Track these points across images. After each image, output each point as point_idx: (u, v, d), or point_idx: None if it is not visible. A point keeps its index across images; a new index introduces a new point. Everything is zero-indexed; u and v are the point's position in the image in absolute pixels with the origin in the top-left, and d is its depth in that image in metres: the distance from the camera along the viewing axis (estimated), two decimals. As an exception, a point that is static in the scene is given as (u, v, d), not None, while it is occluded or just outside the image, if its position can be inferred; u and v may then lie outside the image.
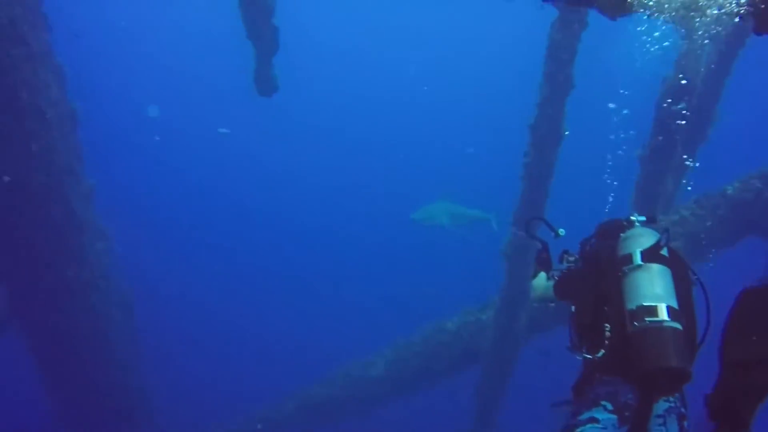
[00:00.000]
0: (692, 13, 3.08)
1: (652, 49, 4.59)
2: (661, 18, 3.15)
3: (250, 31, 5.37)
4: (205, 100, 22.16)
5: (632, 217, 2.92)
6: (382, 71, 24.30)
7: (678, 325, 2.43)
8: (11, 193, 6.63)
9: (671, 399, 2.51)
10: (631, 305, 2.53)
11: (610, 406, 2.51)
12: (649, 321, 2.43)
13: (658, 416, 2.46)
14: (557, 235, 3.66)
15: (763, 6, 2.93)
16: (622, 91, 5.09)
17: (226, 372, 13.70)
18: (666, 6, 3.07)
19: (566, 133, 5.61)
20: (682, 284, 2.65)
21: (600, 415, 2.51)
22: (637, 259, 2.61)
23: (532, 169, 5.89)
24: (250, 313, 16.19)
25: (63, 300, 7.46)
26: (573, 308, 3.20)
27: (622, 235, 2.81)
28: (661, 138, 5.73)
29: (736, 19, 3.04)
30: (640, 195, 6.39)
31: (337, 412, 8.90)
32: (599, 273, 2.85)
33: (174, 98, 21.54)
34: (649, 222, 2.93)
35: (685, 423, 2.50)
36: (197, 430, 10.12)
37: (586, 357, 2.72)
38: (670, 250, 2.74)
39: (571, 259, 3.57)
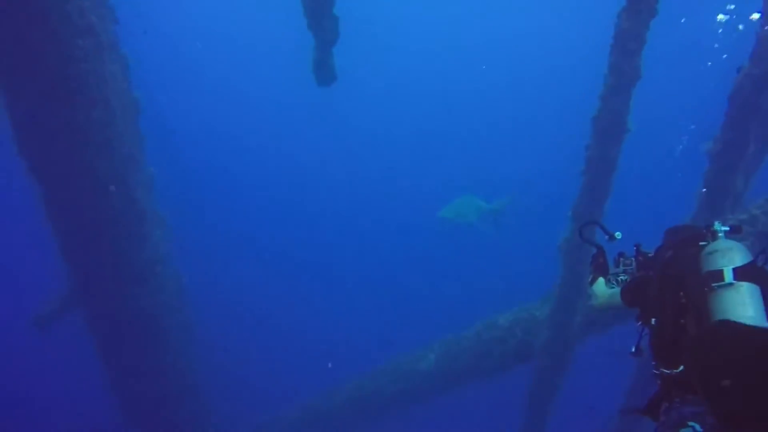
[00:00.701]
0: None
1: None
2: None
3: (311, 20, 5.39)
4: (261, 94, 22.35)
5: (715, 227, 2.73)
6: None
7: None
8: (77, 180, 6.86)
9: None
10: None
11: (699, 428, 2.41)
12: None
13: None
14: (612, 238, 3.57)
15: None
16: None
17: (276, 363, 13.86)
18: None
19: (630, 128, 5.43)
20: None
21: None
22: (729, 277, 2.45)
23: (593, 164, 5.72)
24: (302, 306, 16.31)
25: (122, 285, 7.67)
26: (639, 316, 3.12)
27: (707, 247, 2.63)
28: (734, 132, 5.47)
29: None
30: (708, 192, 6.14)
31: (385, 405, 8.90)
32: (679, 285, 2.70)
33: (229, 93, 21.85)
34: (734, 232, 2.74)
35: None
36: (246, 417, 10.29)
37: (664, 372, 2.62)
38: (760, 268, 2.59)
39: (628, 262, 3.51)
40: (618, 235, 3.65)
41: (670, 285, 2.76)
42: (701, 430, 2.39)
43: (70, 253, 7.37)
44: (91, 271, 7.52)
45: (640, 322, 3.11)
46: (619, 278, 3.56)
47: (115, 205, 7.18)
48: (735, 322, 2.32)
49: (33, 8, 5.80)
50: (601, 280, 3.58)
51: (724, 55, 9.74)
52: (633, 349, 3.21)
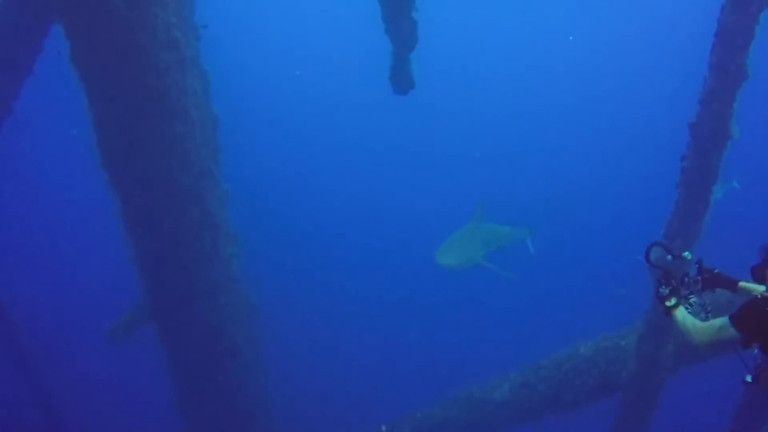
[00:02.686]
0: None
1: None
2: None
3: (389, 25, 5.29)
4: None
5: None
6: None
7: None
8: (155, 193, 6.96)
9: None
10: None
11: None
12: None
13: None
14: (679, 258, 3.41)
15: None
16: None
17: (347, 384, 13.61)
18: None
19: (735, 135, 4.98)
20: None
21: None
22: None
23: (690, 175, 5.29)
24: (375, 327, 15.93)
25: (192, 301, 7.68)
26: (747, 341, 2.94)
27: None
28: None
29: None
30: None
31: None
32: None
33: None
34: None
35: None
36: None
37: None
38: None
39: (693, 282, 3.36)
40: (687, 255, 3.43)
41: None
42: None
43: (144, 265, 7.46)
44: (164, 284, 7.58)
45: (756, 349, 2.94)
46: (690, 301, 3.37)
47: (191, 219, 7.24)
48: None
49: (121, 21, 5.98)
50: (682, 308, 3.34)
51: None
52: (749, 378, 3.04)
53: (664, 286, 3.37)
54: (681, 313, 3.32)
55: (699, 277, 3.46)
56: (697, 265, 3.48)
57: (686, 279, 3.39)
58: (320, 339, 14.99)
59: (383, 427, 8.72)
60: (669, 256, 3.36)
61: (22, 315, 10.31)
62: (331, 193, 20.89)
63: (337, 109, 22.57)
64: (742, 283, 3.42)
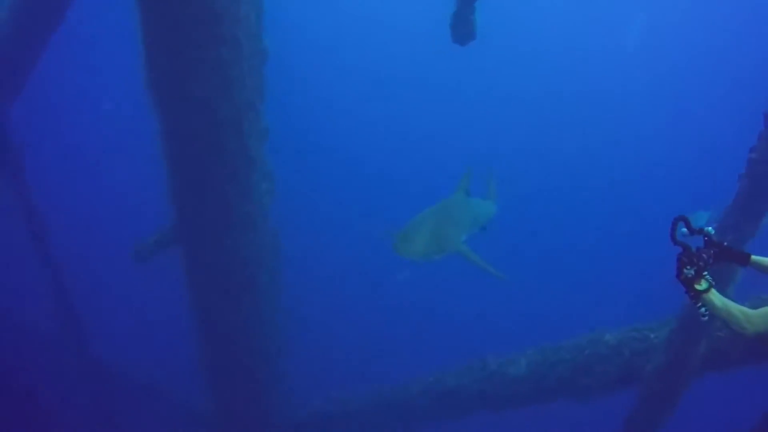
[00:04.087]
0: None
1: None
2: None
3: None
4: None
5: None
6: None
7: None
8: (196, 117, 6.84)
9: None
10: None
11: None
12: None
13: None
14: (701, 233, 3.06)
15: None
16: None
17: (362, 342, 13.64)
18: None
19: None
20: None
21: None
22: None
23: (758, 168, 4.93)
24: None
25: (221, 231, 7.63)
26: None
27: None
28: None
29: None
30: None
31: (464, 405, 8.37)
32: None
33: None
34: None
35: None
36: (319, 389, 10.10)
37: None
38: None
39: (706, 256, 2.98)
40: (710, 229, 3.07)
41: None
42: None
43: (177, 190, 7.42)
44: (194, 211, 7.53)
45: None
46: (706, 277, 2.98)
47: (229, 150, 7.12)
48: None
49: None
50: (716, 291, 2.96)
51: None
52: None
53: (688, 267, 2.98)
54: (718, 298, 2.92)
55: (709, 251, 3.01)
56: (705, 238, 3.05)
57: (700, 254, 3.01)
58: (340, 292, 15.04)
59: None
60: (686, 230, 2.99)
61: (55, 224, 10.50)
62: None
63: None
64: (754, 257, 3.11)
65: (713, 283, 2.96)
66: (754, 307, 2.93)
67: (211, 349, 8.53)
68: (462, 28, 5.36)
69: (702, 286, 2.94)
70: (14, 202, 10.10)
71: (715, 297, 2.93)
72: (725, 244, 3.09)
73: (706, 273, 2.95)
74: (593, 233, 20.05)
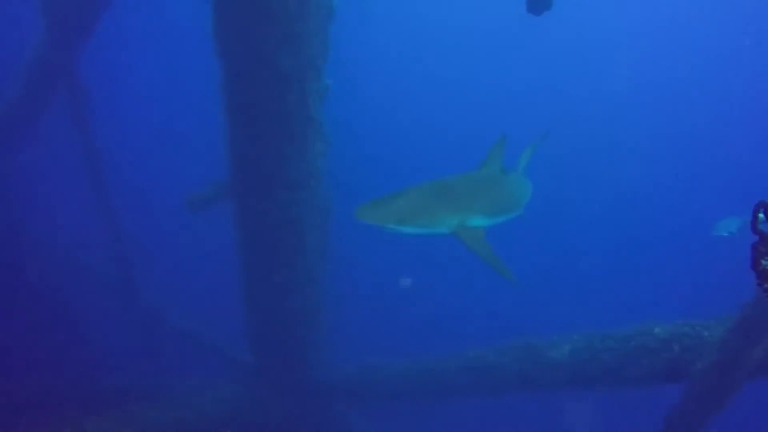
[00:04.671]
0: None
1: None
2: None
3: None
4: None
5: None
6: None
7: None
8: (256, 70, 6.82)
9: None
10: None
11: None
12: None
13: None
14: None
15: None
16: None
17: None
18: None
19: None
20: None
21: None
22: None
23: None
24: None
25: (274, 186, 7.65)
26: None
27: None
28: None
29: None
30: None
31: (502, 384, 8.27)
32: None
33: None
34: None
35: None
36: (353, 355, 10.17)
37: None
38: None
39: None
40: None
41: None
42: None
43: (233, 143, 7.45)
44: (248, 165, 7.56)
45: None
46: None
47: (287, 106, 7.09)
48: None
49: None
50: None
51: None
52: None
53: (766, 257, 2.69)
54: None
55: None
56: None
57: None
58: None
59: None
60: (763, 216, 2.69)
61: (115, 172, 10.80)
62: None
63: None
64: None
65: None
66: None
67: (256, 303, 8.66)
68: (537, -4, 5.11)
69: None
70: (79, 149, 10.40)
71: None
72: None
73: None
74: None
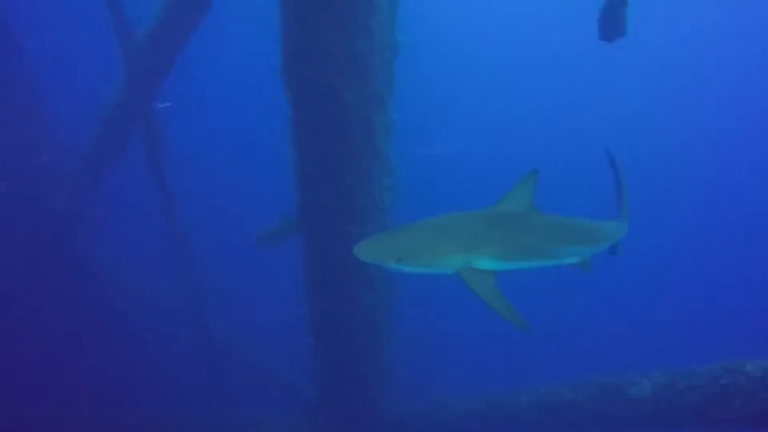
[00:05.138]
0: None
1: None
2: None
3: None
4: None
5: None
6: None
7: None
8: (324, 106, 6.93)
9: None
10: None
11: None
12: None
13: None
14: None
15: None
16: None
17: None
18: None
19: None
20: None
21: None
22: None
23: None
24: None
25: (341, 221, 7.68)
26: None
27: None
28: None
29: None
30: None
31: (576, 422, 7.93)
32: None
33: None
34: None
35: None
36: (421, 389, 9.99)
37: None
38: None
39: None
40: None
41: None
42: None
43: (301, 177, 7.55)
44: (315, 200, 7.64)
45: None
46: None
47: (354, 141, 7.16)
48: None
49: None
50: None
51: None
52: None
53: None
54: None
55: None
56: None
57: None
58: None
59: None
60: None
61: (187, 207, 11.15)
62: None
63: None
64: None
65: None
66: None
67: (322, 337, 8.65)
68: (612, 23, 4.98)
69: None
70: (152, 184, 10.81)
71: None
72: None
73: None
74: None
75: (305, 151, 7.35)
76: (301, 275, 8.31)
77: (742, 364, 6.65)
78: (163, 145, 10.34)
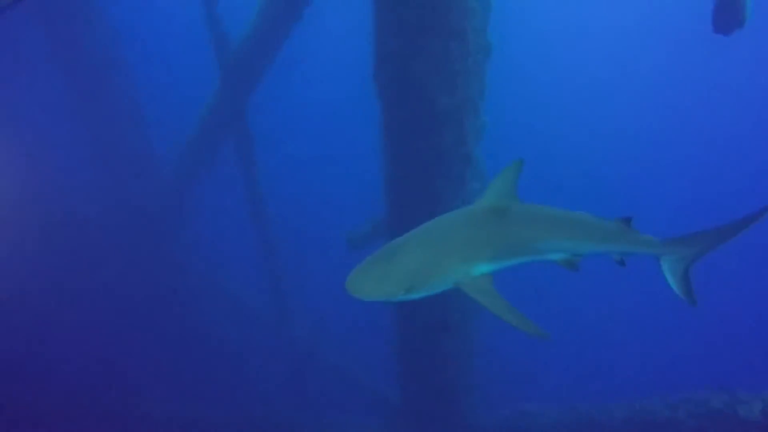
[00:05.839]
0: None
1: None
2: None
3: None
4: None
5: None
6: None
7: None
8: (415, 109, 6.92)
9: None
10: None
11: None
12: None
13: None
14: None
15: None
16: None
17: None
18: None
19: None
20: None
21: None
22: None
23: None
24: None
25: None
26: None
27: None
28: None
29: None
30: None
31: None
32: None
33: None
34: None
35: None
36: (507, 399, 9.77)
37: None
38: None
39: None
40: None
41: None
42: None
43: (391, 180, 7.57)
44: (405, 202, 7.64)
45: None
46: None
47: (444, 144, 7.11)
48: None
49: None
50: None
51: None
52: None
53: None
54: None
55: None
56: None
57: None
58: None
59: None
60: None
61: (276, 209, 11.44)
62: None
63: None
64: None
65: None
66: None
67: (408, 343, 8.61)
68: (729, 14, 4.66)
69: None
70: (244, 186, 11.16)
71: None
72: None
73: None
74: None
75: (395, 154, 7.37)
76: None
77: None
78: (254, 149, 10.66)
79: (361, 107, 7.79)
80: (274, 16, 9.80)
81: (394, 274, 3.76)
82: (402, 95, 6.90)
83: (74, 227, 12.38)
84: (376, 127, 7.44)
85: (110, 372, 11.46)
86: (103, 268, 12.62)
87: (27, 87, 13.50)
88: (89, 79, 11.97)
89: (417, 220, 7.58)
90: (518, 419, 9.08)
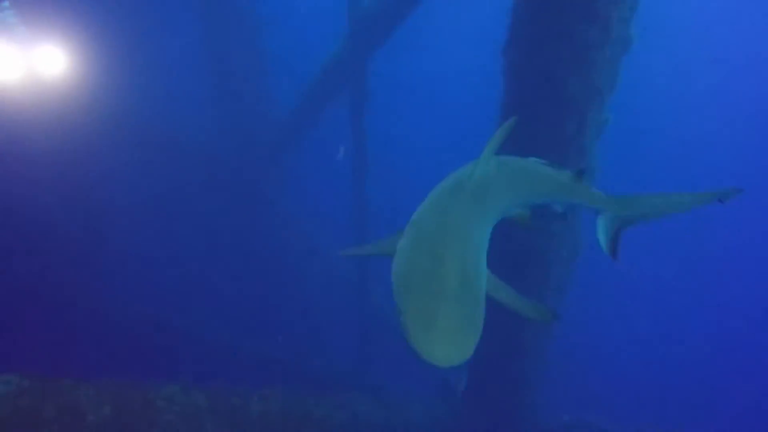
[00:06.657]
0: None
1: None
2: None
3: None
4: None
5: None
6: None
7: None
8: (542, 93, 6.70)
9: None
10: None
11: None
12: None
13: None
14: None
15: None
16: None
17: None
18: None
19: None
20: None
21: None
22: None
23: None
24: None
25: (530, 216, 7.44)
26: None
27: None
28: None
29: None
30: None
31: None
32: None
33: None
34: None
35: None
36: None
37: None
38: None
39: None
40: None
41: None
42: None
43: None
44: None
45: None
46: None
47: (565, 131, 6.86)
48: None
49: None
50: None
51: None
52: None
53: None
54: None
55: None
56: None
57: None
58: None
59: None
60: None
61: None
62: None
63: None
64: None
65: None
66: None
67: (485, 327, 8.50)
68: None
69: None
70: (349, 150, 11.31)
71: None
72: None
73: None
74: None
75: (510, 135, 7.18)
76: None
77: None
78: (367, 108, 10.72)
79: (482, 85, 7.63)
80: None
81: (474, 325, 3.01)
82: (529, 75, 6.71)
83: (189, 154, 13.16)
84: (493, 107, 7.29)
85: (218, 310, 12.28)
86: (208, 194, 13.40)
87: (169, 30, 14.40)
88: (221, 23, 12.63)
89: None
90: (578, 426, 8.83)
